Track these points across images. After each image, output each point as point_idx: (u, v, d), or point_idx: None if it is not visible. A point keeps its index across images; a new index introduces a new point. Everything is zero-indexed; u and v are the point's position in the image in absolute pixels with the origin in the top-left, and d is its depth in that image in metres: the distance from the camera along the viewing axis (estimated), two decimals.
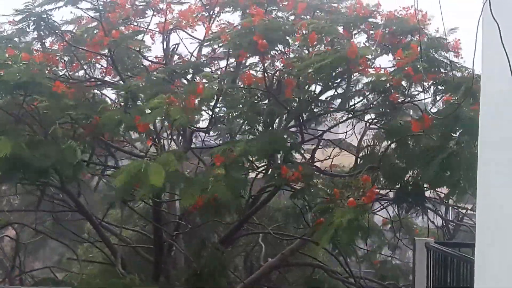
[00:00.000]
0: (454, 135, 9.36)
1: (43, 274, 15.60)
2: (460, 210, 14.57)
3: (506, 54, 3.62)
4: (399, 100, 10.48)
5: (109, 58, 11.41)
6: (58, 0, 10.77)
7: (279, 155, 10.73)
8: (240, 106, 10.75)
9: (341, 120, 12.42)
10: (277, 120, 11.60)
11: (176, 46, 12.71)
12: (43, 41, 11.16)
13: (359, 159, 11.58)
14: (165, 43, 12.54)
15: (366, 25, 11.15)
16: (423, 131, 9.46)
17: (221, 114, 11.47)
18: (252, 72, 11.37)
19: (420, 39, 9.73)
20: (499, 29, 3.60)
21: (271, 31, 9.77)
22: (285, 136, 10.77)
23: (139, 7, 11.84)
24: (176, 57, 12.94)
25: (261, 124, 11.05)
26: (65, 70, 11.67)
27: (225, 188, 8.76)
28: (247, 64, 12.01)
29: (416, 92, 10.63)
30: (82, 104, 10.22)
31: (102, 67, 12.15)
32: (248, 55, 10.75)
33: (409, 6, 11.00)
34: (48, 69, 10.38)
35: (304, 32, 9.90)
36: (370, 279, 14.44)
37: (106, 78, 12.30)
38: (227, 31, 10.59)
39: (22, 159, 9.04)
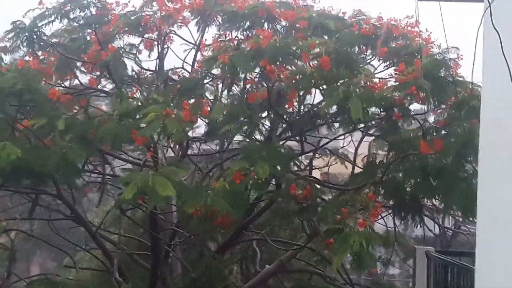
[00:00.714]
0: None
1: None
2: (457, 218, 14.55)
3: (507, 62, 3.62)
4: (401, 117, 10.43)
5: (105, 71, 11.38)
6: (51, 15, 10.78)
7: None
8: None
9: (342, 132, 12.36)
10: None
11: (167, 49, 12.55)
12: (36, 54, 11.09)
13: (357, 168, 11.54)
14: (159, 50, 12.45)
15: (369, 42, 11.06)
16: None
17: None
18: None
19: (422, 54, 9.68)
20: (499, 38, 3.60)
21: (280, 54, 9.66)
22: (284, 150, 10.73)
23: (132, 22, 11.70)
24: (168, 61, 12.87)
25: (259, 135, 10.99)
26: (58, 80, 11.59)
27: (225, 202, 8.77)
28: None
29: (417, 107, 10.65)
30: (75, 124, 10.11)
31: (92, 77, 12.08)
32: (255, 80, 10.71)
33: (411, 20, 11.04)
34: (45, 79, 10.36)
35: (315, 51, 9.84)
36: (368, 286, 14.42)
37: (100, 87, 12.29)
38: (227, 48, 10.39)
39: (27, 163, 9.05)
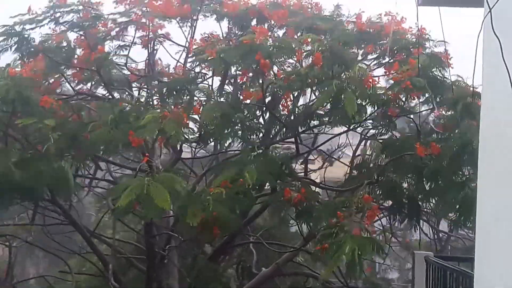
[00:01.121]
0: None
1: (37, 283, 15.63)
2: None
3: (507, 67, 3.58)
4: (397, 114, 10.38)
5: (96, 74, 11.33)
6: (42, 20, 10.84)
7: None
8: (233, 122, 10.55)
9: (337, 133, 12.33)
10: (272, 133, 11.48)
11: (156, 51, 12.53)
12: (25, 60, 11.06)
13: (353, 171, 11.48)
14: (149, 54, 12.38)
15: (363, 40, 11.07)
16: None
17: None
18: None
19: (418, 52, 9.62)
20: (500, 43, 3.55)
21: (276, 51, 9.67)
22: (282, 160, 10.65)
23: (121, 24, 11.69)
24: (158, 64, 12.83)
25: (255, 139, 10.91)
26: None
27: (225, 207, 8.71)
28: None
29: (412, 104, 10.58)
30: (67, 125, 10.02)
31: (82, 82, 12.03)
32: (248, 74, 10.61)
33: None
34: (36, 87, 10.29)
35: (309, 48, 9.77)
36: None
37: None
38: (215, 44, 10.34)
39: (12, 180, 8.95)
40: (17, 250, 15.67)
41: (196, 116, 10.27)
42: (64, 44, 11.34)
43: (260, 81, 10.37)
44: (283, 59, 10.40)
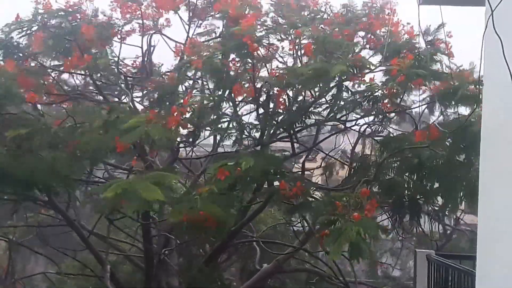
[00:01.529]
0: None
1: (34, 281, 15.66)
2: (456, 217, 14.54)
3: (508, 67, 3.57)
4: (393, 109, 10.34)
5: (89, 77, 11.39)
6: (30, 27, 10.93)
7: None
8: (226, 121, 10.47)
9: (333, 132, 12.31)
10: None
11: (152, 48, 12.55)
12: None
13: (352, 170, 11.45)
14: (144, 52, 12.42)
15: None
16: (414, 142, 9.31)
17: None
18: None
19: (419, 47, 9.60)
20: (501, 43, 3.54)
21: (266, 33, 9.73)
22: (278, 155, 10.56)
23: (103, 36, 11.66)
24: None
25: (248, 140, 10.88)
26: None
27: (215, 205, 8.60)
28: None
29: (413, 102, 10.58)
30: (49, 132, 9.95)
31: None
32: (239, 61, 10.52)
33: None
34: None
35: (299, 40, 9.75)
36: (364, 283, 14.45)
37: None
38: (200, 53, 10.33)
39: (4, 169, 8.91)
40: (18, 249, 15.68)
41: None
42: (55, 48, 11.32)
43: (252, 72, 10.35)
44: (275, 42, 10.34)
